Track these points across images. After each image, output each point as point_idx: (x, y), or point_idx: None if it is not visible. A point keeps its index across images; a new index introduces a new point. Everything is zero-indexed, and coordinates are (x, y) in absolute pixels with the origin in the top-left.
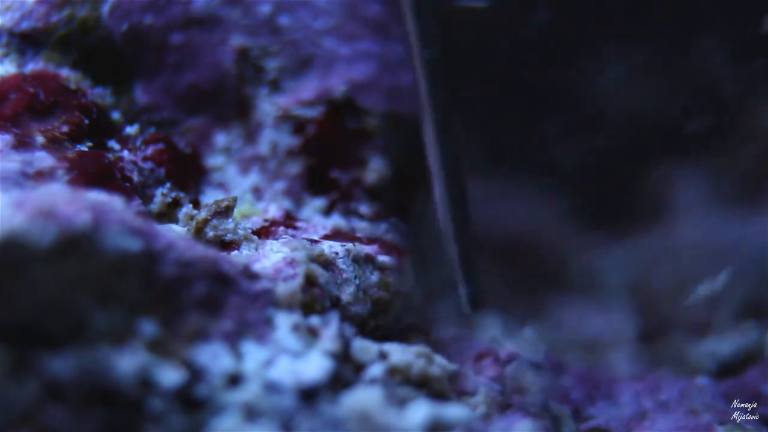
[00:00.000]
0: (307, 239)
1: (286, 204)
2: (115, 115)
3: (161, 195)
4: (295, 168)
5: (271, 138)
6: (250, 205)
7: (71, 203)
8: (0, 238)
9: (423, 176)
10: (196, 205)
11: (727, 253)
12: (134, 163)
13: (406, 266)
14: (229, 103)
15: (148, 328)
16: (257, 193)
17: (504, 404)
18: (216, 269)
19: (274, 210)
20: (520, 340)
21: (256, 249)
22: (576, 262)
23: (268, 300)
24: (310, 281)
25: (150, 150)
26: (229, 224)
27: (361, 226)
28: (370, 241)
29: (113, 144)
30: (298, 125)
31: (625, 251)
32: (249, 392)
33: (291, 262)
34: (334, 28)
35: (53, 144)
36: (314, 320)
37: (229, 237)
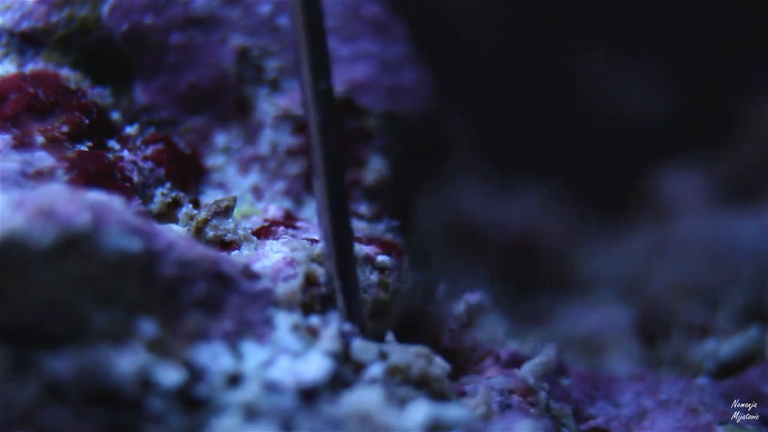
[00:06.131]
0: (308, 239)
1: (287, 204)
2: (115, 115)
3: (161, 195)
4: (295, 168)
5: (271, 138)
6: (250, 205)
7: (71, 203)
8: (0, 238)
9: (423, 176)
10: (196, 205)
11: (726, 252)
12: (134, 163)
13: (406, 266)
14: (229, 103)
15: (148, 328)
16: (257, 193)
17: (504, 404)
18: (216, 269)
19: (274, 210)
20: (522, 339)
21: (256, 249)
22: (575, 261)
23: (268, 300)
24: (310, 281)
25: (150, 150)
26: (229, 224)
27: (360, 226)
28: (369, 241)
29: (113, 144)
30: (298, 125)
31: (624, 250)
32: (249, 392)
33: (291, 262)
34: (334, 28)
35: (53, 144)
36: (314, 320)
37: (229, 237)
